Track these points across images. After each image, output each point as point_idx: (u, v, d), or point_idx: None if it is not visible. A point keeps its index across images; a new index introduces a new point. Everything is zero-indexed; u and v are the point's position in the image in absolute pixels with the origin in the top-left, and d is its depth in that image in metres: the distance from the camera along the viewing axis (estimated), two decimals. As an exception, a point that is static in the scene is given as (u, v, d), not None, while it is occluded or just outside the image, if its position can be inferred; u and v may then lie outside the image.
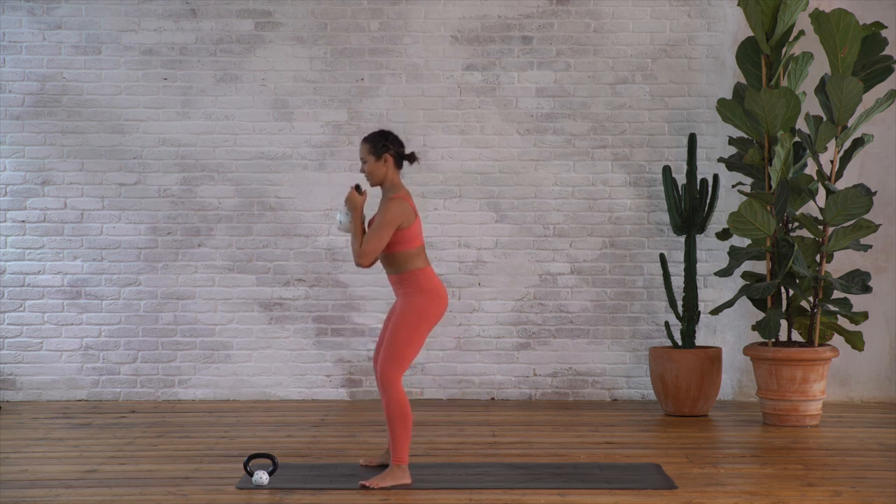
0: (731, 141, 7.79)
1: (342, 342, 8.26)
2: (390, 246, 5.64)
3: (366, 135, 5.83)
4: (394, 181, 5.72)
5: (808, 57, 7.55)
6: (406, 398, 5.60)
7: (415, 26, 8.28)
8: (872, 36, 7.44)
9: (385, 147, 5.69)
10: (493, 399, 8.28)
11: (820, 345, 7.43)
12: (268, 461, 5.91)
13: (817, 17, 7.30)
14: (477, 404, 8.09)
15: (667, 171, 7.92)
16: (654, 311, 8.26)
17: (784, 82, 7.63)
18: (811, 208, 8.07)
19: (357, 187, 5.69)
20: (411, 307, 5.63)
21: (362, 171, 5.73)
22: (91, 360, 8.23)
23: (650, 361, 7.80)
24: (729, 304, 7.55)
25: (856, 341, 7.48)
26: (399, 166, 5.73)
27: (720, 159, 7.84)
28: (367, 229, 5.71)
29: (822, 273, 7.39)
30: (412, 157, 5.76)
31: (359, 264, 5.60)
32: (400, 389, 5.58)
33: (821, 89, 7.49)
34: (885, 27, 7.57)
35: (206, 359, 8.25)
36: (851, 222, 7.33)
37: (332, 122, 8.28)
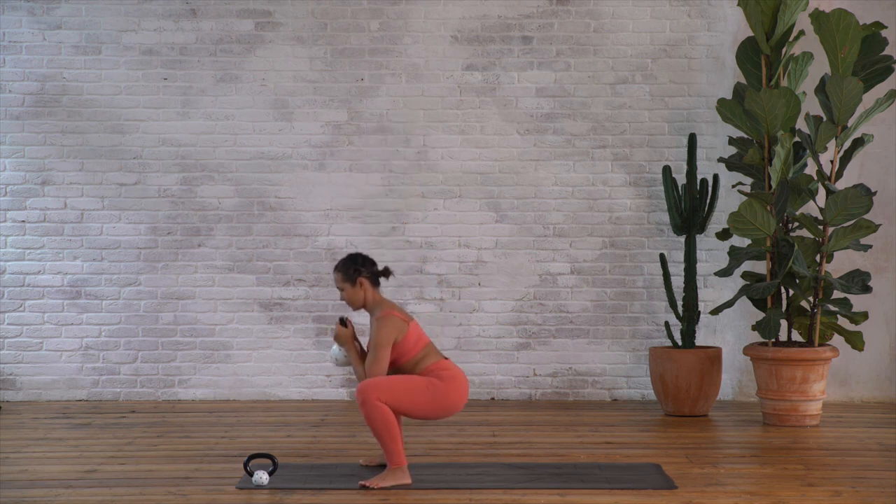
0: (731, 141, 7.79)
1: (342, 342, 8.25)
2: (393, 361, 5.66)
3: (336, 263, 5.83)
4: (375, 300, 5.73)
5: (808, 57, 7.55)
6: (385, 407, 5.53)
7: (415, 26, 8.28)
8: (872, 36, 7.44)
9: (357, 272, 5.70)
10: (493, 399, 8.28)
11: (820, 345, 7.43)
12: (268, 461, 5.90)
13: (817, 17, 7.30)
14: (477, 404, 8.09)
15: (667, 171, 7.92)
16: (654, 311, 8.25)
17: (784, 82, 7.63)
18: (811, 208, 8.07)
19: (341, 320, 5.74)
20: (433, 383, 5.60)
21: (342, 299, 5.75)
22: (91, 360, 8.23)
23: (650, 361, 7.80)
24: (729, 304, 7.55)
25: (856, 341, 7.47)
26: (376, 284, 5.73)
27: (720, 159, 7.84)
28: (366, 350, 5.75)
29: (822, 273, 7.39)
30: (387, 273, 5.76)
31: None
32: (377, 402, 5.52)
33: (821, 89, 7.49)
34: (885, 27, 7.57)
35: (206, 359, 8.25)
36: (851, 222, 7.33)
37: (332, 122, 8.28)
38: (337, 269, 5.73)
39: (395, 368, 5.71)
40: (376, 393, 5.51)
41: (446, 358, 5.75)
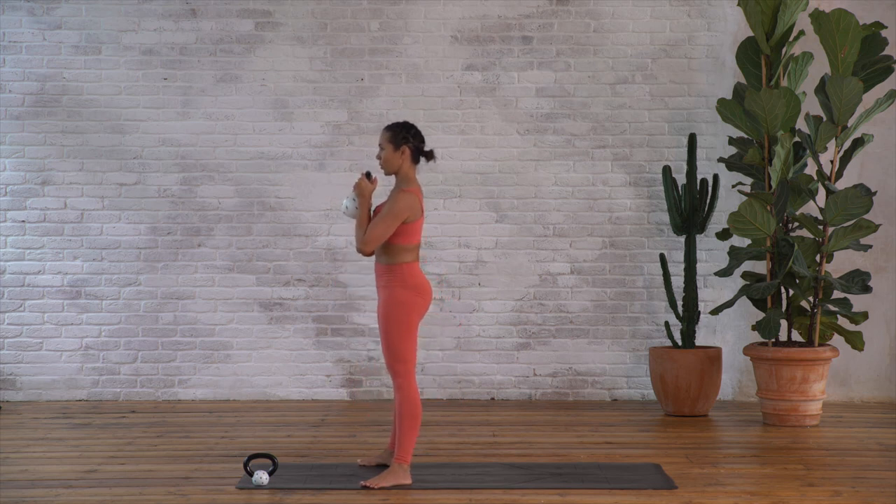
0: (731, 141, 7.79)
1: (342, 342, 8.26)
2: (391, 237, 5.65)
3: (389, 123, 5.82)
4: (408, 174, 5.72)
5: (808, 57, 7.55)
6: (418, 398, 5.62)
7: (415, 26, 8.28)
8: (872, 36, 7.44)
9: (405, 139, 5.70)
10: (493, 399, 8.28)
11: (820, 345, 7.43)
12: (268, 461, 5.91)
13: (817, 17, 7.30)
14: (477, 404, 8.09)
15: (667, 171, 7.92)
16: (654, 311, 8.25)
17: (784, 82, 7.63)
18: (811, 208, 8.07)
19: (368, 174, 5.69)
20: (394, 302, 5.64)
21: (378, 157, 5.72)
22: (91, 360, 8.23)
23: (650, 361, 7.80)
24: (729, 304, 7.55)
25: (856, 341, 7.47)
26: (415, 161, 5.73)
27: (720, 159, 7.84)
28: (371, 217, 5.72)
29: (822, 273, 7.39)
30: (430, 155, 5.75)
31: (360, 250, 5.61)
32: (413, 387, 5.62)
33: (821, 89, 7.49)
34: (885, 27, 7.57)
35: (206, 359, 8.25)
36: (851, 222, 7.33)
37: (332, 122, 8.28)
38: (388, 128, 5.71)
39: (385, 244, 5.66)
40: (408, 367, 5.61)
41: (418, 261, 5.73)
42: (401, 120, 5.86)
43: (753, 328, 7.45)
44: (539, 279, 8.29)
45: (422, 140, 5.75)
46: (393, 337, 5.62)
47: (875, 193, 7.36)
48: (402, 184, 5.70)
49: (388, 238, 5.64)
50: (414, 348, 5.66)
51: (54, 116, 8.25)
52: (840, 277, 7.45)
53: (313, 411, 7.81)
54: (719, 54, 8.27)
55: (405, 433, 5.60)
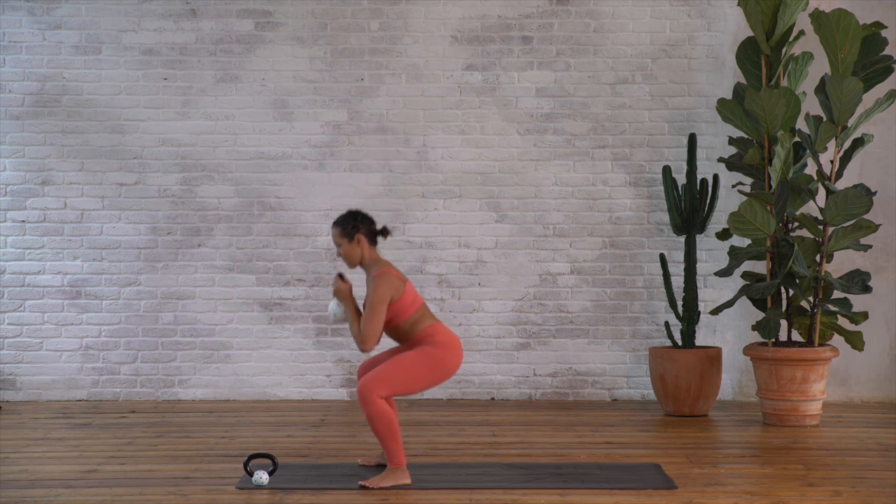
0: (731, 141, 7.79)
1: (342, 342, 8.26)
2: (389, 321, 5.66)
3: (335, 219, 5.79)
4: (372, 258, 5.72)
5: (808, 57, 7.56)
6: (387, 407, 5.54)
7: (415, 26, 8.28)
8: (872, 36, 7.44)
9: (355, 228, 5.68)
10: (493, 399, 8.28)
11: (820, 345, 7.43)
12: (268, 461, 5.91)
13: (817, 17, 7.30)
14: (477, 404, 8.09)
15: (667, 171, 7.92)
16: (654, 311, 8.25)
17: (784, 82, 7.63)
18: (811, 208, 8.07)
19: (340, 276, 5.72)
20: (428, 353, 5.62)
21: (338, 255, 5.74)
22: (91, 360, 8.23)
23: (650, 361, 7.80)
24: (729, 304, 7.55)
25: (856, 341, 7.48)
26: (373, 243, 5.72)
27: (720, 159, 7.84)
28: (361, 311, 5.73)
29: (822, 273, 7.39)
30: (385, 232, 5.75)
31: (364, 350, 5.58)
32: (379, 402, 5.52)
33: (821, 89, 7.49)
34: (885, 27, 7.57)
35: (206, 359, 8.25)
36: (851, 222, 7.33)
37: (332, 122, 8.28)
38: (335, 224, 5.71)
39: (392, 328, 5.69)
40: (377, 391, 5.51)
41: (439, 321, 5.74)
42: (343, 211, 5.88)
43: (753, 328, 7.45)
44: (539, 279, 8.29)
45: (371, 222, 5.73)
46: (403, 370, 5.57)
47: (875, 193, 7.36)
48: (372, 269, 5.69)
49: (386, 324, 5.65)
50: (405, 392, 5.61)
51: (54, 116, 8.25)
52: (840, 277, 7.45)
53: (313, 411, 7.81)
54: (719, 54, 8.27)
55: (387, 442, 5.55)
